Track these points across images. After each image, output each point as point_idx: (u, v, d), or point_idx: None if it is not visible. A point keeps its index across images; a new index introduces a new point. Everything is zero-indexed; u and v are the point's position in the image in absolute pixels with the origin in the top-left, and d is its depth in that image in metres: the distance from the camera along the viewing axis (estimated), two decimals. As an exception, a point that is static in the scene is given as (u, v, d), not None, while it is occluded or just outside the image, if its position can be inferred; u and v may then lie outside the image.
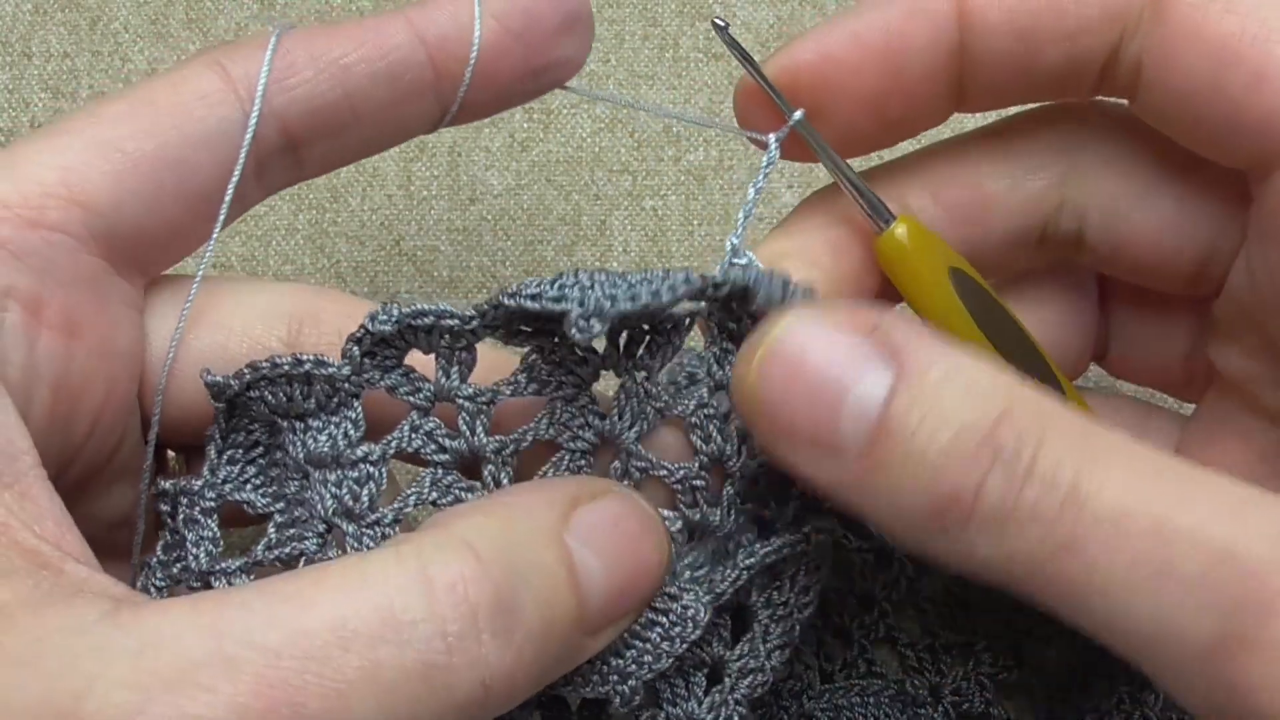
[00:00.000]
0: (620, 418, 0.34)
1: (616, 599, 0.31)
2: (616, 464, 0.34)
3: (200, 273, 0.36)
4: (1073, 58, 0.34)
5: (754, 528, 0.36)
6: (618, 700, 0.33)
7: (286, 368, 0.33)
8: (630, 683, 0.33)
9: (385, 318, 0.33)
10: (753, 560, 0.34)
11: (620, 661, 0.33)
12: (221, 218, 0.35)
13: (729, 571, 0.34)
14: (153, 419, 0.36)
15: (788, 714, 0.42)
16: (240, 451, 0.36)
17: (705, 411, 0.34)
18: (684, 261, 0.53)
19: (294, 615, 0.27)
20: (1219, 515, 0.27)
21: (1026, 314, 0.39)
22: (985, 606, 0.45)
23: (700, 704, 0.35)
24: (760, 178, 0.36)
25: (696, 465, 0.34)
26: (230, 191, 0.35)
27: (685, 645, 0.33)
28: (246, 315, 0.36)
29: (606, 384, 0.34)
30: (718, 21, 0.36)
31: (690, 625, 0.33)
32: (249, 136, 0.34)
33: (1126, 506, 0.27)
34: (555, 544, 0.30)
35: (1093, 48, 0.34)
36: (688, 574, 0.34)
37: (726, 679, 0.35)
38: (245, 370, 0.34)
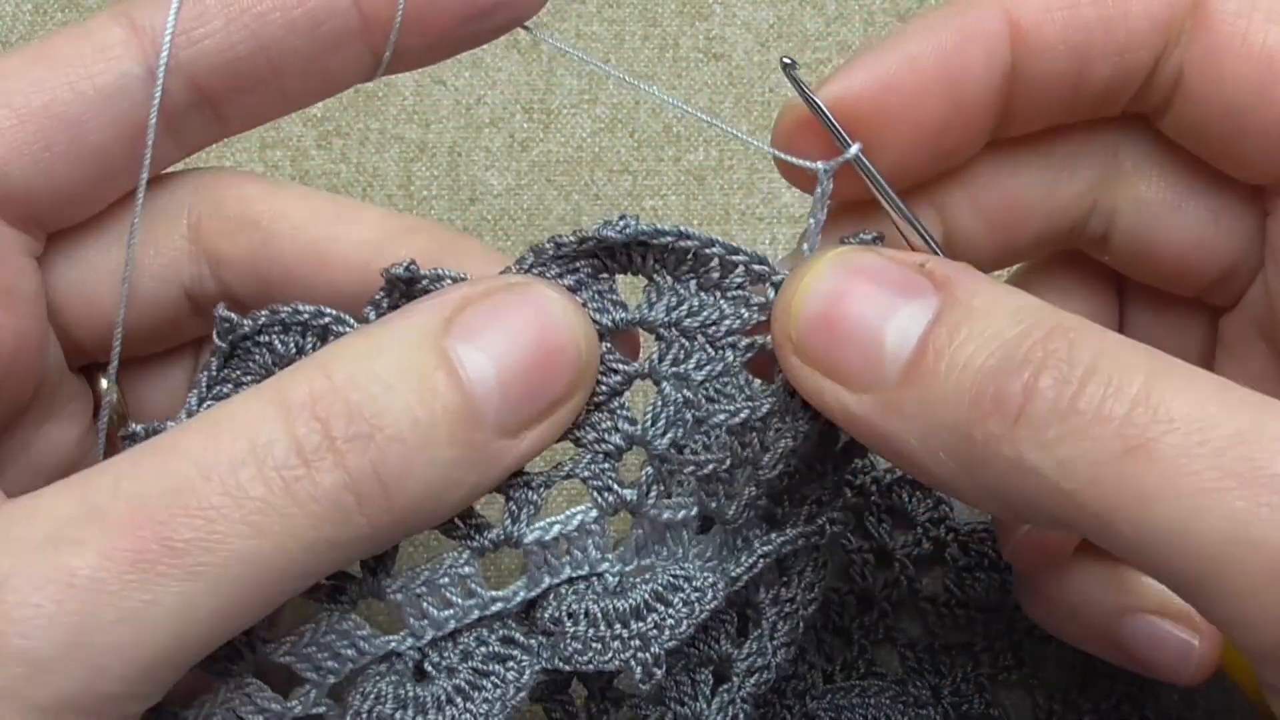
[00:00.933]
0: (654, 423, 0.34)
1: (522, 392, 0.30)
2: (649, 469, 0.34)
3: (132, 239, 0.35)
4: (1120, 72, 0.33)
5: (763, 524, 0.35)
6: (639, 671, 0.33)
7: (306, 316, 0.33)
8: (652, 649, 0.33)
9: (404, 267, 0.32)
10: (770, 548, 0.34)
11: (641, 625, 0.33)
12: (142, 185, 0.34)
13: (745, 558, 0.34)
14: (111, 367, 0.35)
15: (790, 714, 0.42)
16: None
17: (745, 419, 0.33)
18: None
19: (158, 461, 0.28)
20: None
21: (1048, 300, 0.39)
22: (985, 606, 0.45)
23: (709, 704, 0.35)
24: (821, 210, 0.33)
25: (728, 461, 0.34)
26: (149, 153, 0.33)
27: (704, 613, 0.33)
28: (146, 217, 0.35)
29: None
30: (786, 61, 0.34)
31: (709, 593, 0.33)
32: (158, 94, 0.32)
33: (1208, 411, 0.25)
34: (427, 347, 0.30)
35: (1140, 61, 0.33)
36: (697, 564, 0.34)
37: (734, 677, 0.35)
38: (261, 313, 0.33)
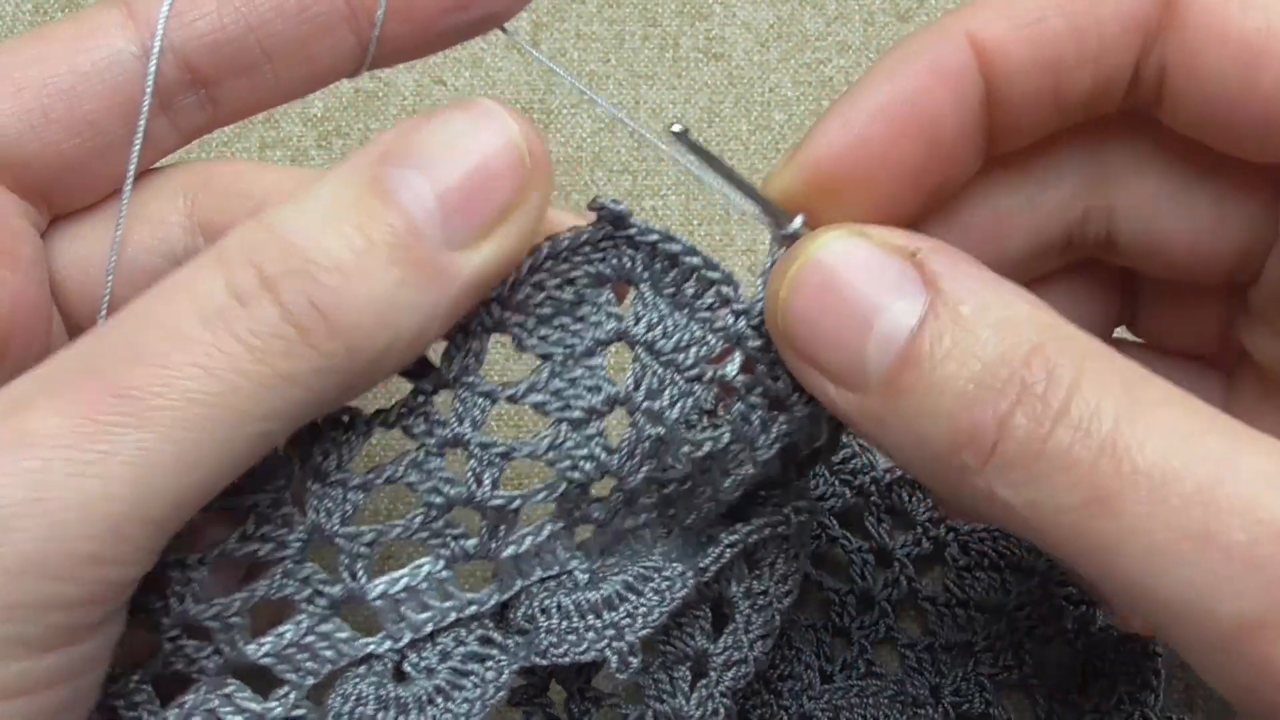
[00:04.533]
0: (630, 458, 0.33)
1: (464, 199, 0.30)
2: (618, 493, 0.34)
3: (125, 192, 0.35)
4: (1100, 78, 0.33)
5: (724, 521, 0.36)
6: (614, 660, 0.33)
7: None
8: (627, 638, 0.33)
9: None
10: (735, 538, 0.35)
11: (614, 615, 0.33)
12: (135, 154, 0.35)
13: (712, 549, 0.34)
14: (100, 321, 0.35)
15: (787, 714, 0.42)
16: None
17: (708, 450, 0.33)
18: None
19: (105, 329, 0.29)
20: (1271, 483, 0.25)
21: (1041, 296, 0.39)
22: (985, 606, 0.45)
23: (687, 699, 0.35)
24: (778, 249, 0.33)
25: (689, 482, 0.34)
26: (142, 125, 0.34)
27: (676, 601, 0.33)
28: (142, 197, 0.36)
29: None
30: (676, 130, 0.33)
31: (679, 582, 0.34)
32: (152, 67, 0.34)
33: (1171, 464, 0.25)
34: (360, 181, 0.30)
35: (1118, 64, 0.32)
36: (664, 559, 0.35)
37: (711, 672, 0.35)
38: None
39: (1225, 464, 0.25)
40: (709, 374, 0.33)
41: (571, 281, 0.33)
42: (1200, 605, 0.25)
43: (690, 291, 0.33)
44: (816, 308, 0.29)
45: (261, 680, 0.33)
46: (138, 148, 0.35)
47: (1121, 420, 0.25)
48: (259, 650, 0.33)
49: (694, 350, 0.33)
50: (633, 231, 0.32)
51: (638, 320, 0.33)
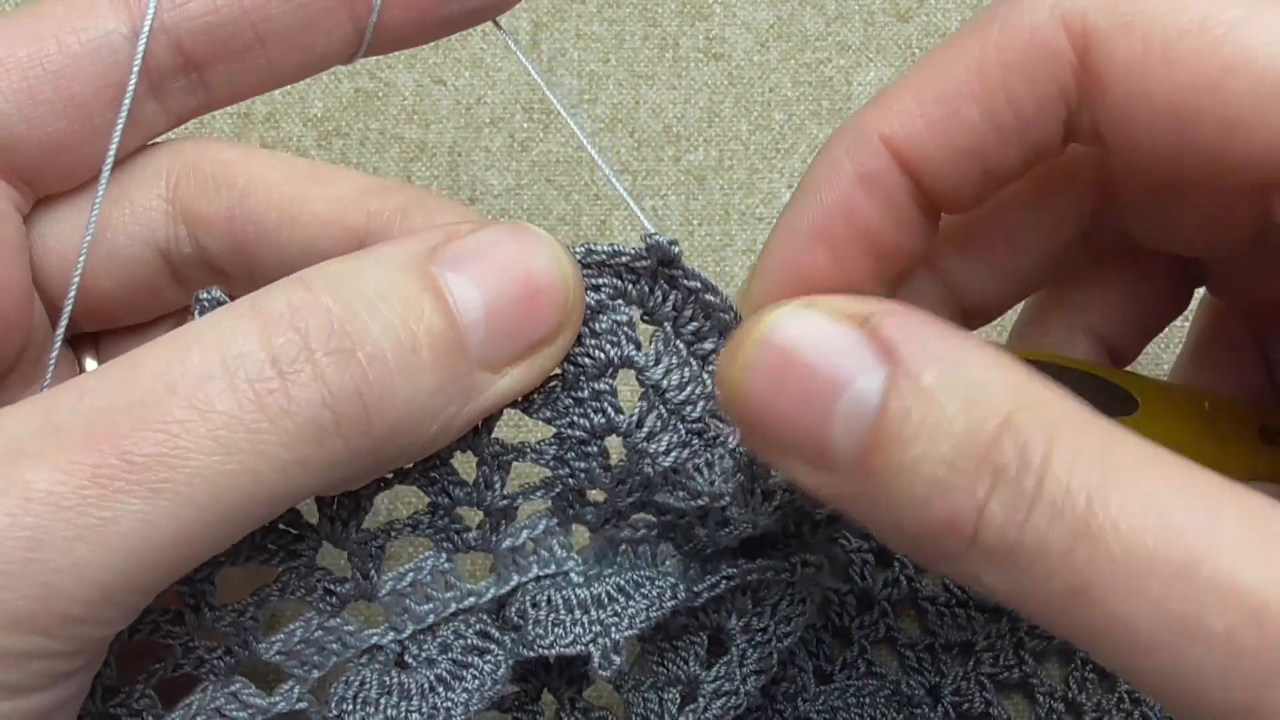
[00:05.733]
0: (622, 483, 0.34)
1: (508, 325, 0.30)
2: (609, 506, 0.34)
3: (100, 191, 0.35)
4: (1027, 149, 0.31)
5: (730, 554, 0.35)
6: (598, 656, 0.33)
7: None
8: (612, 635, 0.33)
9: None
10: (734, 572, 0.34)
11: (602, 613, 0.33)
12: (118, 133, 0.34)
13: (709, 578, 0.34)
14: (65, 304, 0.35)
15: (782, 716, 0.42)
16: None
17: (703, 505, 0.33)
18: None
19: (122, 375, 0.27)
20: (1251, 557, 0.23)
21: (1104, 283, 0.38)
22: (985, 606, 0.45)
23: None
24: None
25: (686, 518, 0.34)
26: (125, 106, 0.33)
27: (665, 610, 0.33)
28: (124, 180, 0.35)
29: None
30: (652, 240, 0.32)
31: (670, 592, 0.34)
32: (140, 49, 0.33)
33: (1146, 546, 0.23)
34: (413, 270, 0.29)
35: (1043, 135, 0.31)
36: (661, 571, 0.35)
37: (701, 699, 0.35)
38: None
39: (1203, 539, 0.24)
40: (712, 431, 0.32)
41: (596, 289, 0.32)
42: (1189, 693, 0.24)
43: (709, 346, 0.33)
44: (773, 391, 0.27)
45: (262, 674, 0.34)
46: (119, 130, 0.34)
47: (1095, 498, 0.24)
48: (270, 649, 0.33)
49: (701, 405, 0.33)
50: (677, 272, 0.32)
51: (657, 360, 0.33)
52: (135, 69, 0.33)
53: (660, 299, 0.32)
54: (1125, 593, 0.24)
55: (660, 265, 0.32)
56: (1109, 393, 0.37)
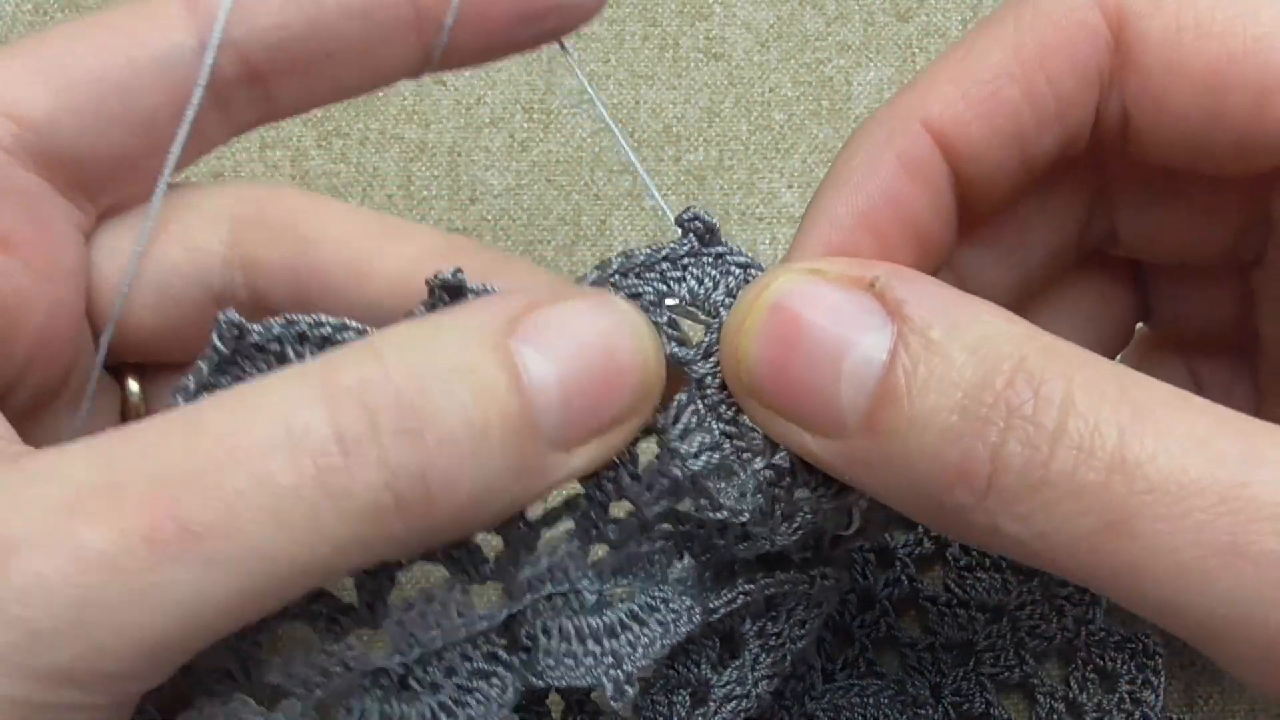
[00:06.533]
0: (650, 489, 0.32)
1: (583, 404, 0.28)
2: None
3: (158, 196, 0.34)
4: (1062, 135, 0.31)
5: (748, 566, 0.35)
6: (610, 688, 0.32)
7: (328, 330, 0.30)
8: (625, 667, 0.32)
9: (451, 273, 0.30)
10: (752, 587, 0.34)
11: (615, 643, 0.32)
12: (179, 142, 0.33)
13: (726, 592, 0.34)
14: (103, 339, 0.34)
15: (789, 714, 0.42)
16: None
17: (724, 519, 0.32)
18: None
19: (185, 436, 0.26)
20: None
21: (1060, 307, 0.38)
22: (985, 606, 0.45)
23: None
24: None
25: (703, 530, 0.33)
26: (189, 120, 0.33)
27: (679, 636, 0.33)
28: (187, 219, 0.35)
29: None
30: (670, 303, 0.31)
31: (685, 616, 0.33)
32: (208, 63, 0.32)
33: (1189, 475, 0.23)
34: (490, 345, 0.27)
35: (1078, 118, 0.31)
36: (678, 588, 0.34)
37: (711, 703, 0.35)
38: (275, 322, 0.30)
39: (1245, 468, 0.24)
40: (744, 439, 0.31)
41: (636, 296, 0.31)
42: (1238, 619, 0.23)
43: None
44: (781, 355, 0.27)
45: (266, 689, 0.33)
46: (179, 144, 0.33)
47: (1126, 433, 0.24)
48: (270, 670, 0.32)
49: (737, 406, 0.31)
50: (722, 249, 0.30)
51: (706, 355, 0.31)
52: (201, 84, 0.33)
53: (711, 286, 0.31)
54: (1169, 520, 0.23)
55: (702, 243, 0.31)
56: None
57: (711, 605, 0.34)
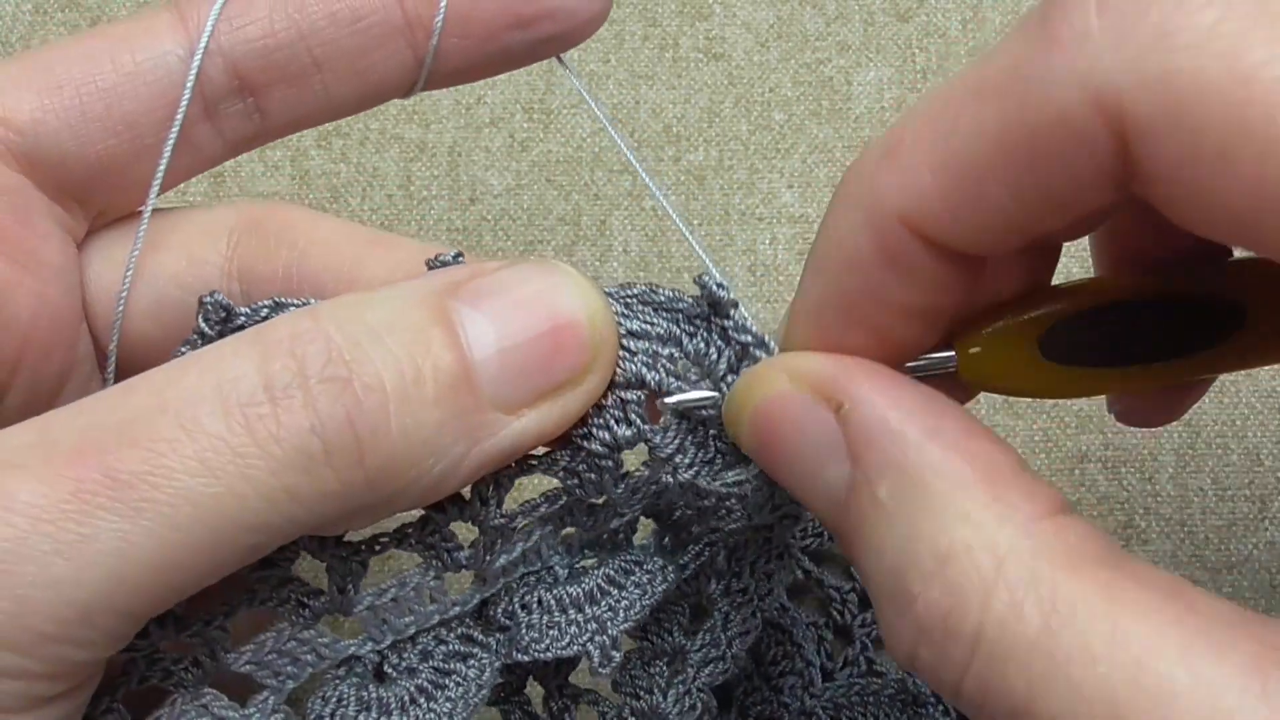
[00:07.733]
0: (634, 493, 0.33)
1: (525, 363, 0.29)
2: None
3: (149, 205, 0.34)
4: (1068, 222, 0.27)
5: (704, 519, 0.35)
6: (597, 655, 0.32)
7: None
8: (609, 632, 0.32)
9: (455, 256, 0.31)
10: (716, 536, 0.34)
11: (595, 609, 0.33)
12: (169, 145, 0.34)
13: (691, 546, 0.34)
14: (110, 349, 0.34)
15: (788, 712, 0.42)
16: None
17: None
18: (683, 261, 0.53)
19: (119, 394, 0.27)
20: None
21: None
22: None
23: (664, 695, 0.35)
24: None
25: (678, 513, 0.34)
26: (178, 124, 0.33)
27: (657, 595, 0.33)
28: (186, 231, 0.35)
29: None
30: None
31: (660, 575, 0.33)
32: (194, 67, 0.33)
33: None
34: (427, 305, 0.28)
35: (1089, 207, 0.26)
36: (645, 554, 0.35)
37: (689, 669, 0.35)
38: (263, 304, 0.31)
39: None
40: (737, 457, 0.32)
41: (637, 335, 0.31)
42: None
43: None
44: (769, 452, 0.29)
45: (239, 684, 0.33)
46: (170, 146, 0.34)
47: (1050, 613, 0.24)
48: (239, 659, 0.32)
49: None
50: (728, 324, 0.31)
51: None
52: (188, 86, 0.33)
53: (714, 355, 0.31)
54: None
55: (712, 312, 0.31)
56: (1209, 313, 0.32)
57: (681, 562, 0.34)
